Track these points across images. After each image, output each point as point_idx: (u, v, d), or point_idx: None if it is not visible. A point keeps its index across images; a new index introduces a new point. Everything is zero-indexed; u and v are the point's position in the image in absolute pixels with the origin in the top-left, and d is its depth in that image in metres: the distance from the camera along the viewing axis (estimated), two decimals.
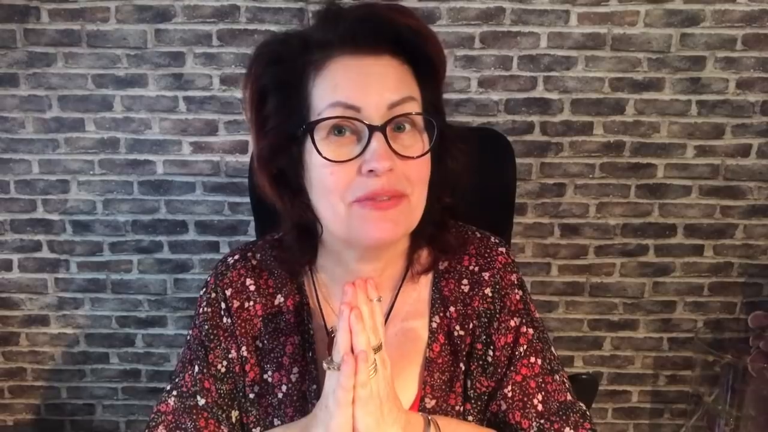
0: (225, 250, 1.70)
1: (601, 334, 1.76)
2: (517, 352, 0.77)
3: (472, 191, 1.05)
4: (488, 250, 0.81)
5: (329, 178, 0.67)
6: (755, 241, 1.69)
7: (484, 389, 0.77)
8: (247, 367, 0.78)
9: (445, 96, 1.67)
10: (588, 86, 1.60)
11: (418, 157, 0.68)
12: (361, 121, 0.65)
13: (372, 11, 0.69)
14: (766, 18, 1.54)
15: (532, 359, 0.77)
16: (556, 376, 0.78)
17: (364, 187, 0.66)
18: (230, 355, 0.78)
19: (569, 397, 0.78)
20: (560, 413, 0.76)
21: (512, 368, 0.77)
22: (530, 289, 1.71)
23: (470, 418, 0.77)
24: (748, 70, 1.58)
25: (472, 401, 0.77)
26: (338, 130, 0.67)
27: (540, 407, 0.76)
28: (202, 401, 0.76)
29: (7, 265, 1.72)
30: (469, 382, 0.77)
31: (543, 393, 0.76)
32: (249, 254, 0.82)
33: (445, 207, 0.77)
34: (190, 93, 1.61)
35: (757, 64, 1.57)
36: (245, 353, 0.77)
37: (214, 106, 1.61)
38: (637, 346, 1.77)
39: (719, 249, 1.70)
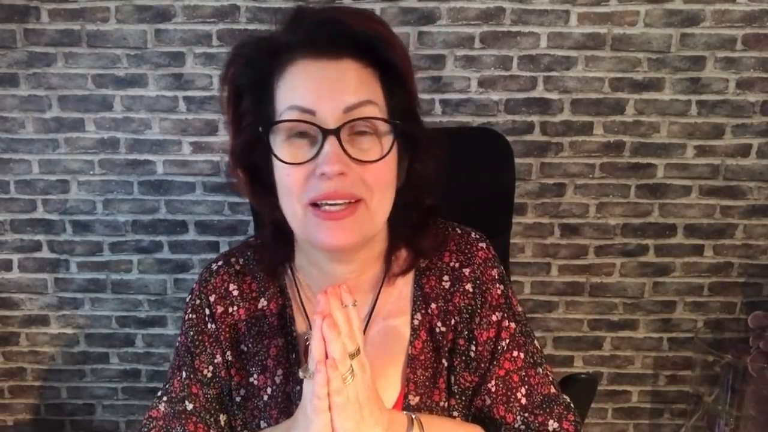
0: (225, 249, 1.70)
1: (601, 334, 1.76)
2: (499, 347, 0.78)
3: (472, 191, 1.05)
4: (468, 246, 0.81)
5: (286, 179, 0.68)
6: (755, 241, 1.69)
7: (468, 384, 0.78)
8: (233, 371, 0.78)
9: (445, 96, 1.68)
10: (588, 86, 1.60)
11: (373, 161, 0.67)
12: (316, 125, 0.65)
13: (332, 15, 0.69)
14: (766, 18, 1.54)
15: (515, 353, 0.78)
16: (539, 369, 0.79)
17: (316, 189, 0.66)
18: (215, 360, 0.79)
19: (553, 390, 0.79)
20: (544, 406, 0.77)
21: (495, 363, 0.77)
22: (530, 289, 1.71)
23: (455, 413, 0.77)
24: (748, 70, 1.58)
25: (457, 396, 0.77)
26: (300, 133, 0.67)
27: (523, 400, 0.77)
28: (190, 406, 0.78)
29: (7, 265, 1.72)
30: (452, 378, 0.77)
31: (526, 386, 0.77)
32: (233, 260, 0.83)
33: (424, 209, 0.77)
34: (190, 93, 1.61)
35: (757, 64, 1.57)
36: (230, 357, 0.78)
37: (214, 106, 1.61)
38: (637, 346, 1.77)
39: (719, 249, 1.70)
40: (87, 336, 1.77)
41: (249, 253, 0.83)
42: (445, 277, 0.80)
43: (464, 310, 0.78)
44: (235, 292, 0.80)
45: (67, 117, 1.62)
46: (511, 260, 1.54)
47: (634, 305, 1.74)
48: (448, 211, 0.81)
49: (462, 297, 0.78)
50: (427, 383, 0.77)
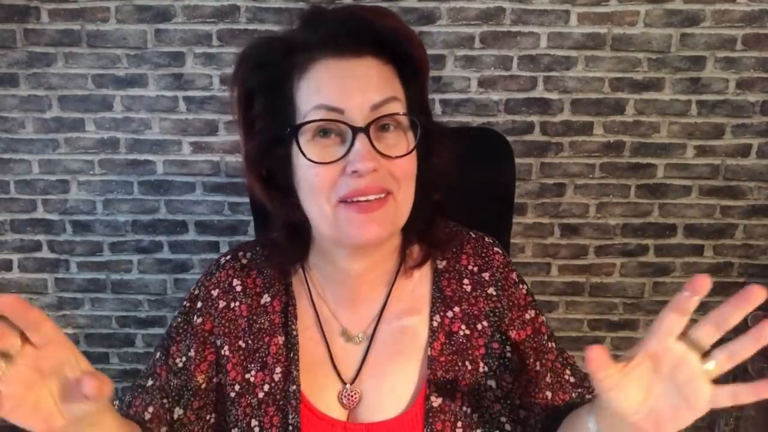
0: (225, 250, 1.70)
1: (601, 334, 1.76)
2: (543, 341, 0.81)
3: (472, 191, 1.05)
4: (485, 250, 0.82)
5: (314, 179, 0.68)
6: (755, 241, 1.69)
7: (509, 386, 0.78)
8: (229, 366, 0.78)
9: (445, 96, 1.68)
10: (588, 86, 1.60)
11: (402, 156, 0.68)
12: (345, 123, 0.66)
13: (352, 13, 0.70)
14: (766, 18, 1.54)
15: (550, 344, 0.82)
16: (567, 353, 0.84)
17: (347, 186, 0.67)
18: (189, 353, 0.79)
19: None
20: (589, 380, 0.81)
21: (545, 356, 0.80)
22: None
23: (503, 418, 0.77)
24: (748, 70, 1.58)
25: (502, 400, 0.78)
26: (323, 131, 0.67)
27: (572, 380, 0.81)
28: (149, 383, 0.79)
29: (7, 265, 1.72)
30: (494, 383, 0.77)
31: (569, 367, 0.82)
32: (240, 254, 0.83)
33: (433, 204, 0.77)
34: (190, 93, 1.61)
35: (757, 64, 1.57)
36: (227, 353, 0.78)
37: (214, 106, 1.61)
38: None
39: (719, 249, 1.70)
40: (87, 336, 1.77)
41: (258, 249, 0.83)
42: (466, 281, 0.80)
43: (491, 314, 0.79)
44: (238, 288, 0.80)
45: (67, 117, 1.62)
46: (512, 260, 1.54)
47: (634, 305, 1.74)
48: (449, 211, 0.82)
49: (486, 301, 0.79)
50: (448, 386, 0.76)
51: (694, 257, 1.70)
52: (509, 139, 1.17)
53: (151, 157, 1.65)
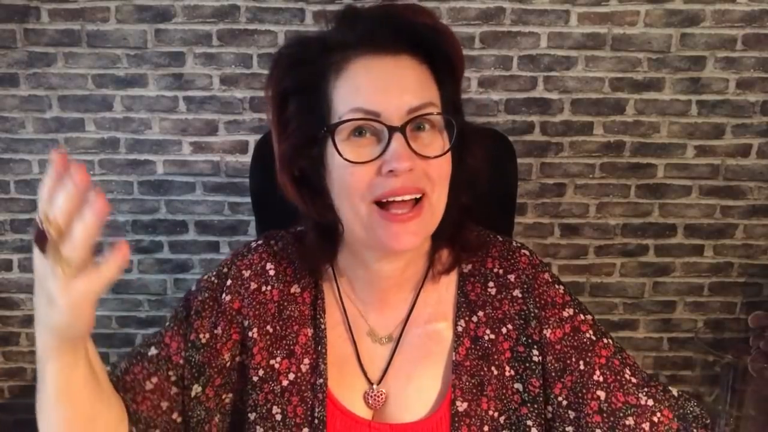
0: (225, 250, 1.70)
1: None
2: (585, 338, 0.76)
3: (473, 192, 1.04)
4: (510, 253, 0.81)
5: (349, 178, 0.67)
6: (755, 241, 1.69)
7: (537, 390, 0.76)
8: (255, 350, 0.77)
9: None
10: (588, 86, 1.60)
11: (438, 156, 0.68)
12: (382, 123, 0.66)
13: (389, 11, 0.70)
14: (766, 18, 1.54)
15: (605, 340, 0.77)
16: (626, 352, 0.78)
17: (383, 186, 0.66)
18: (215, 330, 0.77)
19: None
20: (654, 379, 0.76)
21: (590, 354, 0.76)
22: None
23: (529, 422, 0.76)
24: (748, 70, 1.58)
25: (528, 405, 0.76)
26: (359, 131, 0.67)
27: (634, 380, 0.75)
28: (153, 351, 0.77)
29: (7, 265, 1.72)
30: (520, 386, 0.77)
31: (629, 367, 0.76)
32: (272, 241, 0.83)
33: (463, 207, 0.77)
34: (190, 93, 1.61)
35: (757, 64, 1.57)
36: (255, 335, 0.77)
37: (214, 106, 1.61)
38: (637, 346, 1.77)
39: (719, 249, 1.70)
40: None
41: (290, 241, 0.82)
42: (491, 284, 0.79)
43: (516, 317, 0.78)
44: (271, 272, 0.80)
45: (67, 117, 1.62)
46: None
47: (634, 305, 1.74)
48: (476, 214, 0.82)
49: (511, 304, 0.78)
50: (474, 390, 0.76)
51: (694, 257, 1.70)
52: (509, 139, 1.17)
53: (151, 157, 1.65)
